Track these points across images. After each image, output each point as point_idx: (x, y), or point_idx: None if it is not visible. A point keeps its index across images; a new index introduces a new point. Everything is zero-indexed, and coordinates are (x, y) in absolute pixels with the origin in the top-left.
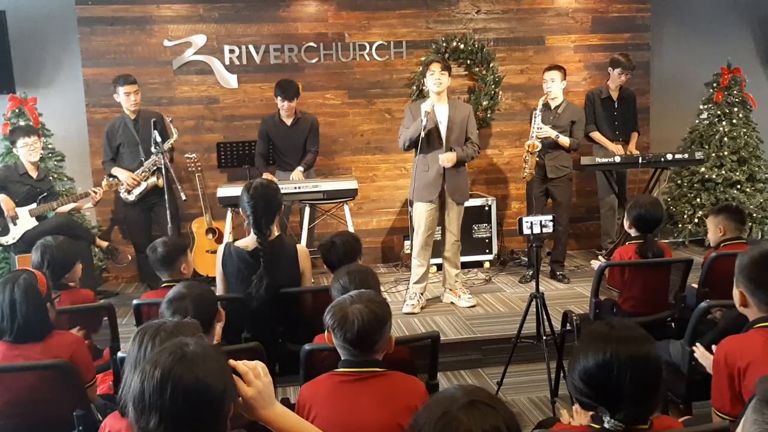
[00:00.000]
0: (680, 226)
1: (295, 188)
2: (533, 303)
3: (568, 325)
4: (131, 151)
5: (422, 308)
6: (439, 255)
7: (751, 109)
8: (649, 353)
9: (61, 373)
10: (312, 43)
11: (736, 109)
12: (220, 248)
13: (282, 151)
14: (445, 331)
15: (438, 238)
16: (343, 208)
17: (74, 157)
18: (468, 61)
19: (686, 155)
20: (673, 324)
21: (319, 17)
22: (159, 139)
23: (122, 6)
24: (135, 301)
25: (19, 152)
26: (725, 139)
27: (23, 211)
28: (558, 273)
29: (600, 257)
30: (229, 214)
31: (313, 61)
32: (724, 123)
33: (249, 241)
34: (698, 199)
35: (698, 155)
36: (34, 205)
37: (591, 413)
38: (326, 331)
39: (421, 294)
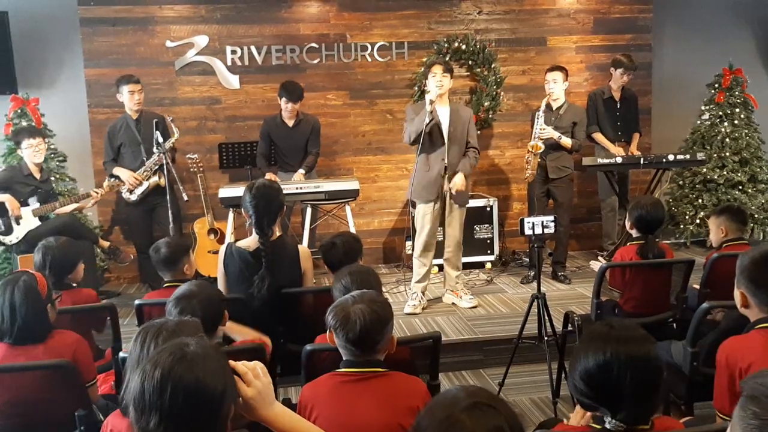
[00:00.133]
0: (682, 226)
1: (297, 189)
2: (535, 304)
3: (569, 325)
4: (133, 151)
5: (423, 309)
6: (440, 256)
7: (752, 110)
8: (649, 353)
9: (62, 373)
10: (314, 44)
11: (737, 110)
12: (222, 248)
13: (283, 152)
14: (446, 332)
15: (440, 239)
16: (345, 209)
17: (76, 158)
18: (469, 62)
19: (688, 156)
20: (674, 325)
21: (320, 18)
22: (161, 140)
23: (124, 7)
24: (137, 301)
25: (24, 153)
26: (727, 140)
27: (26, 211)
28: (559, 274)
29: (600, 258)
30: (230, 215)
31: (315, 61)
32: (725, 124)
33: (251, 242)
34: (700, 200)
35: (700, 156)
36: (37, 205)
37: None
38: (328, 332)
39: (423, 294)
